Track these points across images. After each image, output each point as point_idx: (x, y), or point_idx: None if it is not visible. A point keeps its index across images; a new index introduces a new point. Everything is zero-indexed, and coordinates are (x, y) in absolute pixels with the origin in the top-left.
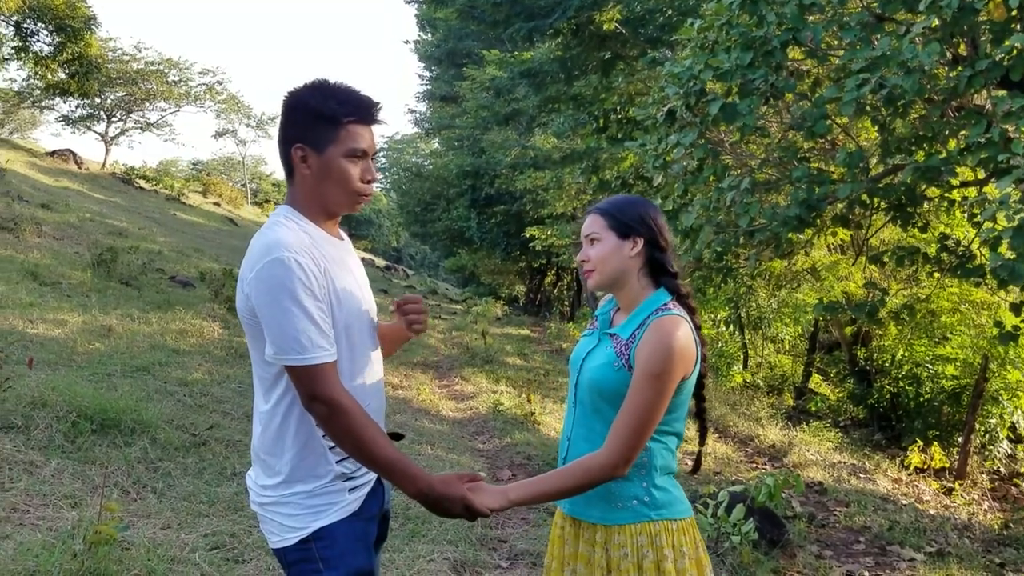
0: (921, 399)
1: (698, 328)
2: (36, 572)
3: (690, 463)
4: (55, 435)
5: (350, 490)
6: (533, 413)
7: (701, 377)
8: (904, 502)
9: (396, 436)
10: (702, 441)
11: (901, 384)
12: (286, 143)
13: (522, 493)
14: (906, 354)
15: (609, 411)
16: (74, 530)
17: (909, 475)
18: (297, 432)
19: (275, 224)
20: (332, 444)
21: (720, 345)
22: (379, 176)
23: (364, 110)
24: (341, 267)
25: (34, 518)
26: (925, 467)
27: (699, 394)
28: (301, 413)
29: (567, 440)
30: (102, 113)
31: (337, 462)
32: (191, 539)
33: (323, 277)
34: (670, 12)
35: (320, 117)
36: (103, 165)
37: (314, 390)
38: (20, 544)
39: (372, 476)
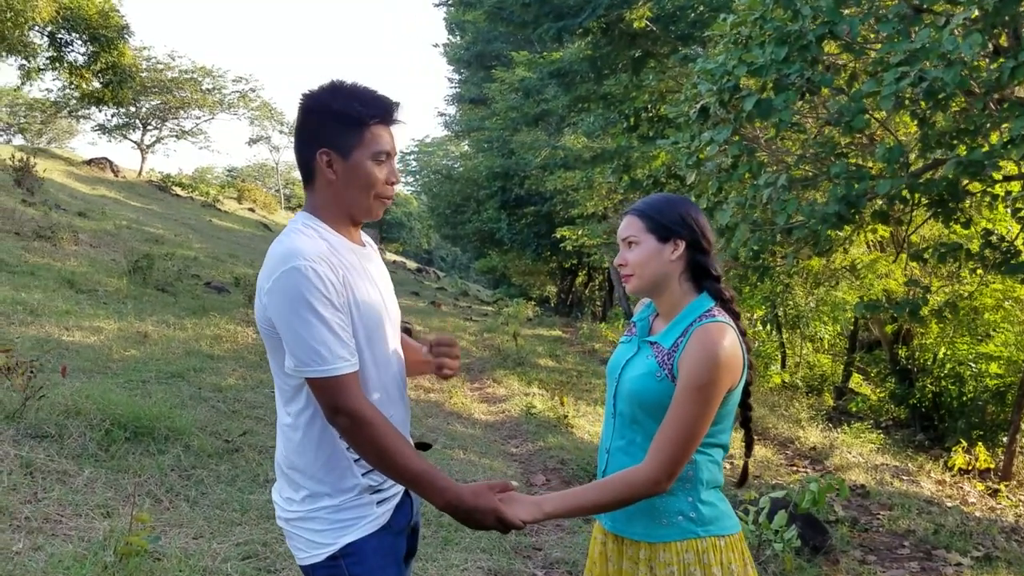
0: (964, 398)
1: (743, 334)
2: None
3: (729, 467)
4: (88, 444)
5: (378, 503)
6: (566, 416)
7: (747, 385)
8: (949, 504)
9: (423, 446)
10: (748, 452)
11: (944, 383)
12: (308, 148)
13: (558, 505)
14: (948, 352)
15: (651, 423)
16: (105, 541)
17: (953, 476)
18: (320, 445)
19: (292, 232)
20: (357, 456)
21: (757, 345)
22: (406, 179)
23: (387, 111)
24: (362, 274)
25: (66, 528)
26: (969, 468)
27: (745, 403)
28: (324, 425)
29: (606, 453)
30: (137, 121)
31: (363, 474)
32: (223, 549)
33: (342, 285)
34: (701, 8)
35: (344, 120)
36: (139, 173)
37: (336, 402)
38: (51, 556)
39: (400, 488)
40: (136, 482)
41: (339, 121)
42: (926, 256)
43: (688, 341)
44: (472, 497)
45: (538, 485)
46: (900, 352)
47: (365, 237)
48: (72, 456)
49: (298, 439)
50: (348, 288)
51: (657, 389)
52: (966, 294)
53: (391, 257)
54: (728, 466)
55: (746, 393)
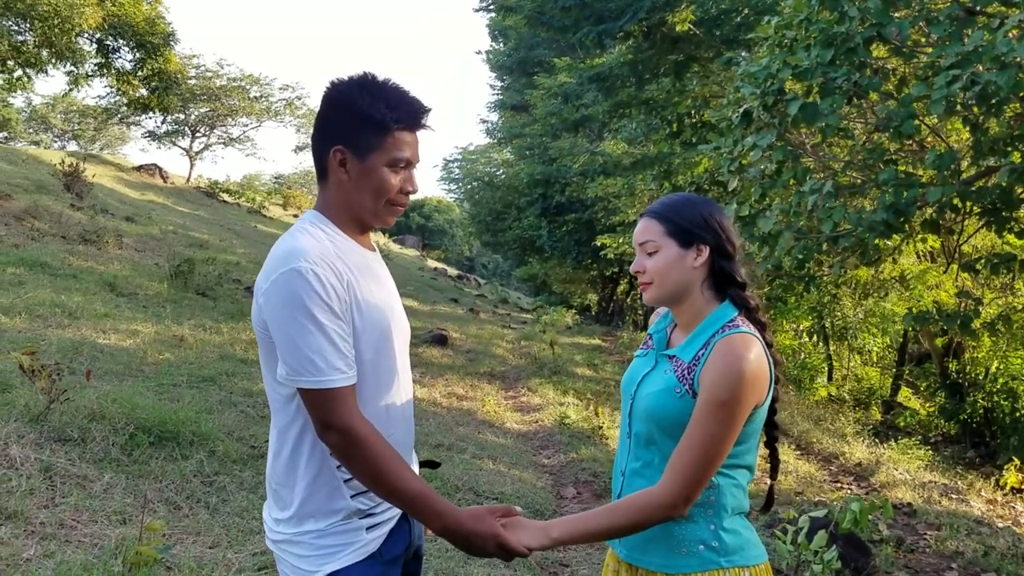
0: (1017, 414)
1: (770, 346)
2: None
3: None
4: (111, 448)
5: (368, 528)
6: (601, 427)
7: (774, 402)
8: (1000, 525)
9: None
10: (774, 475)
11: (996, 398)
12: (324, 142)
13: (567, 531)
14: (1001, 367)
15: (669, 443)
16: (117, 549)
17: (1005, 496)
18: (309, 461)
19: (298, 231)
20: (348, 476)
21: (803, 357)
22: (449, 187)
23: (414, 116)
24: (368, 280)
25: (80, 535)
26: (1022, 487)
27: (771, 421)
28: (314, 440)
29: (621, 475)
30: (186, 128)
31: (353, 496)
32: (239, 558)
33: (345, 291)
34: (746, 11)
35: (367, 120)
36: (188, 179)
37: (329, 417)
38: (61, 563)
39: (395, 513)
40: (157, 488)
41: (361, 120)
42: (978, 267)
43: (710, 354)
44: (472, 521)
45: (568, 498)
46: (951, 366)
47: (372, 242)
48: (94, 461)
49: (286, 454)
50: (352, 293)
51: (676, 406)
52: (1020, 306)
53: (432, 264)
54: (753, 487)
55: (772, 411)
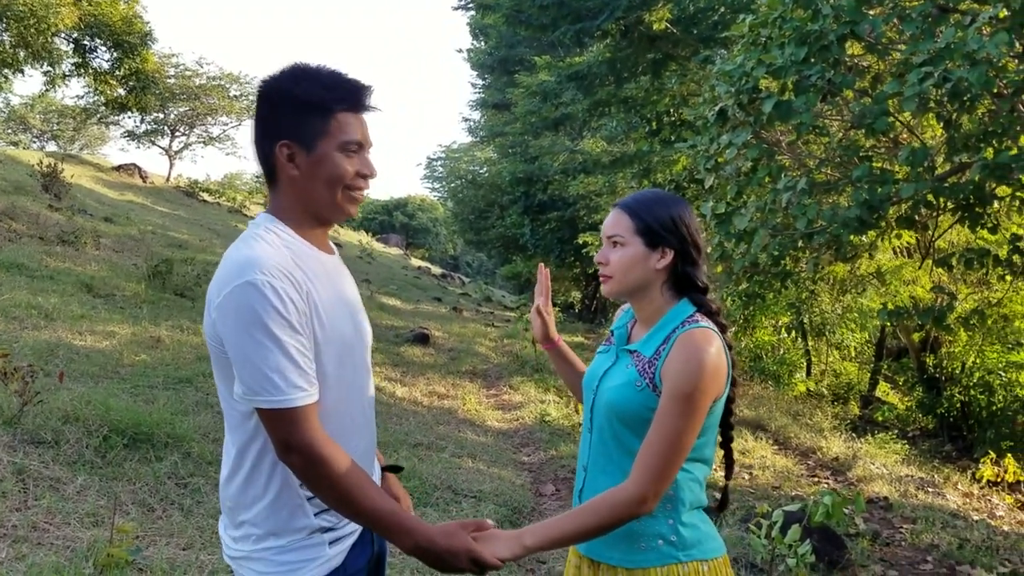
0: (994, 408)
1: (730, 348)
2: None
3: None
4: (84, 450)
5: (331, 543)
6: (581, 424)
7: (730, 401)
8: (976, 518)
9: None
10: (728, 475)
11: (972, 392)
12: (268, 140)
13: (540, 538)
14: (977, 361)
15: (630, 437)
16: (89, 551)
17: (981, 489)
18: (269, 481)
19: (252, 237)
20: (311, 495)
21: (782, 352)
22: (433, 185)
23: (354, 95)
24: (328, 286)
25: (53, 537)
26: (998, 480)
27: (726, 421)
28: (274, 460)
29: (583, 470)
30: (166, 128)
31: (317, 515)
32: (212, 560)
33: (304, 302)
34: (723, 9)
35: (306, 107)
36: (167, 179)
37: (289, 438)
38: (32, 566)
39: (358, 526)
40: (129, 490)
41: (301, 109)
42: (953, 262)
43: (671, 348)
44: (443, 538)
45: (547, 495)
46: (928, 360)
47: (331, 244)
48: (67, 463)
49: (244, 473)
50: (312, 304)
51: (636, 400)
52: (995, 301)
53: (416, 263)
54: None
55: (728, 411)
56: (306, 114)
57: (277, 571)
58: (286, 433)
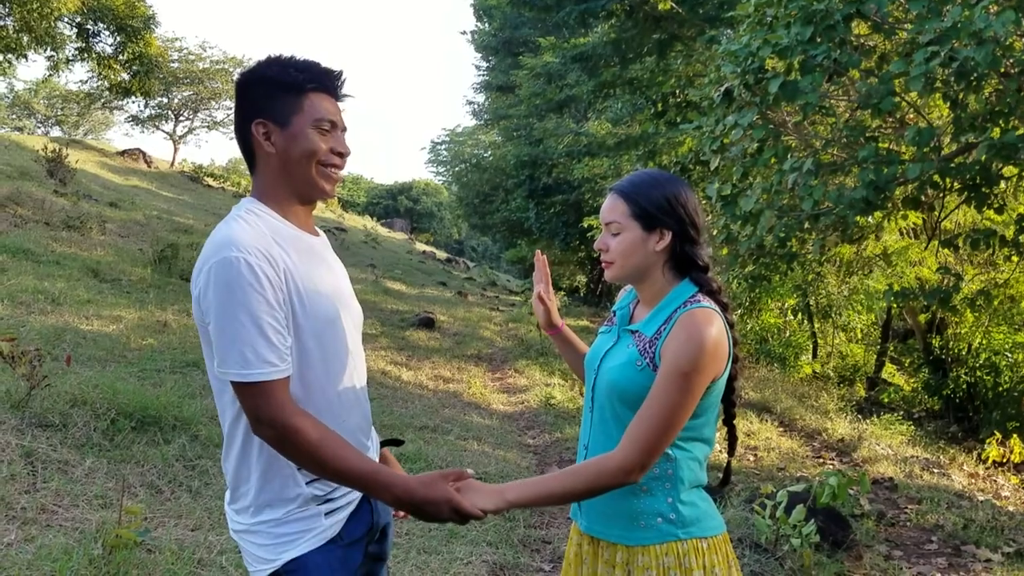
0: (1000, 389)
1: (731, 326)
2: None
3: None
4: (92, 433)
5: (327, 514)
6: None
7: (732, 380)
8: (981, 498)
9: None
10: (731, 451)
11: (978, 373)
12: (245, 122)
13: (522, 493)
14: (984, 342)
15: (630, 416)
16: (97, 533)
17: (987, 469)
18: (260, 452)
19: (232, 219)
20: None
21: (788, 334)
22: (437, 169)
23: (325, 76)
24: (310, 264)
25: (61, 519)
26: (1004, 461)
27: (728, 399)
28: None
29: (584, 449)
30: (170, 112)
31: (308, 483)
32: (220, 541)
33: (280, 279)
34: None
35: (280, 86)
36: (172, 163)
37: (259, 411)
38: (41, 547)
39: (355, 496)
40: (137, 472)
41: (275, 88)
42: (959, 243)
43: (672, 327)
44: (423, 488)
45: None
46: (934, 341)
47: (316, 227)
48: (75, 446)
49: (237, 446)
50: (290, 281)
51: (637, 379)
52: (1001, 282)
53: (421, 247)
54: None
55: (730, 388)
56: (280, 92)
57: (275, 543)
58: (255, 407)
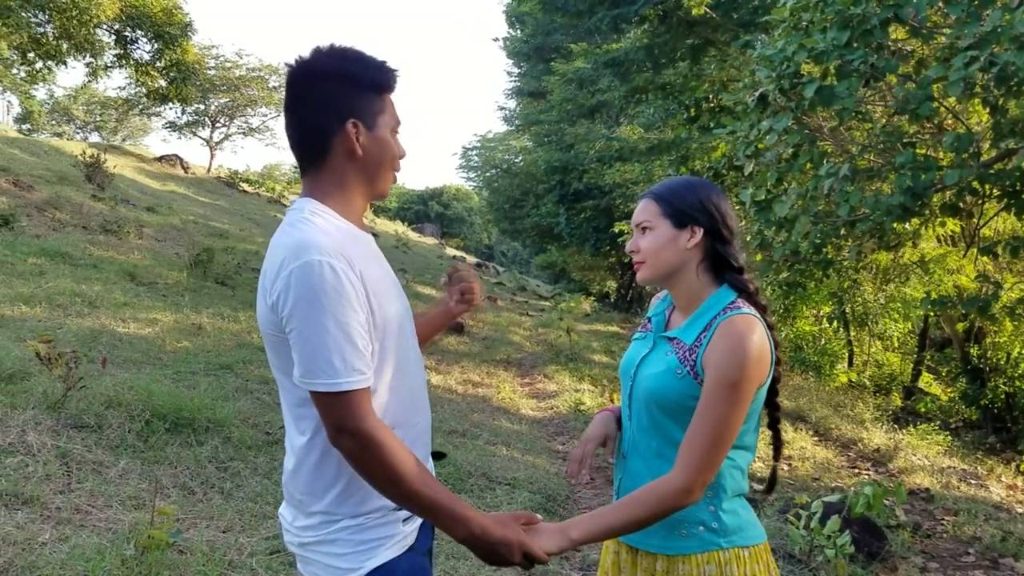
0: None
1: (771, 328)
2: None
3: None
4: (127, 435)
5: (404, 521)
6: None
7: (775, 383)
8: (1020, 511)
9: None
10: (777, 456)
11: (1017, 383)
12: (332, 120)
13: (587, 530)
14: (1023, 351)
15: (670, 425)
16: (130, 534)
17: None
18: (341, 466)
19: (301, 221)
20: None
21: (823, 342)
22: (468, 175)
23: (395, 78)
24: (372, 265)
25: (95, 520)
26: None
27: (773, 402)
28: None
29: (622, 458)
30: (207, 119)
31: None
32: (251, 542)
33: (360, 282)
34: None
35: (368, 86)
36: (208, 169)
37: (343, 421)
38: (74, 547)
39: None
40: (170, 474)
41: (363, 88)
42: (998, 250)
43: (713, 335)
44: (500, 528)
45: (582, 484)
46: (972, 351)
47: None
48: (110, 447)
49: (313, 461)
50: (365, 284)
51: (677, 387)
52: None
53: (451, 252)
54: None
55: (773, 392)
56: (368, 92)
57: (355, 551)
58: (340, 417)
